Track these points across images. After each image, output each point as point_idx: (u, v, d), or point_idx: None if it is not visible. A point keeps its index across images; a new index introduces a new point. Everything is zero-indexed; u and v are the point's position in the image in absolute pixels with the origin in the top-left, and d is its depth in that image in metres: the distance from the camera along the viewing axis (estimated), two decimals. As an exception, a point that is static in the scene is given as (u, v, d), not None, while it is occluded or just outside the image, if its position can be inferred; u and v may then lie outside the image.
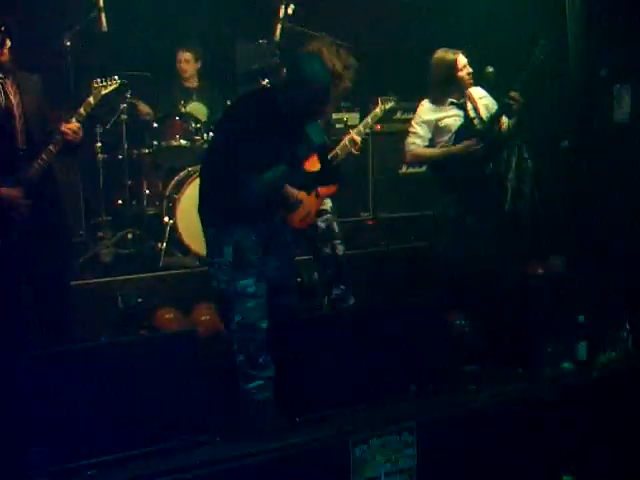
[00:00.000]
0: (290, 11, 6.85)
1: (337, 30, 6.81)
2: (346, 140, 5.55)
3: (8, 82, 4.55)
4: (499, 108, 5.58)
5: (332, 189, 5.41)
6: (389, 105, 5.83)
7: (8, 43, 4.50)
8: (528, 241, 6.20)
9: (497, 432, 4.75)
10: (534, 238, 6.52)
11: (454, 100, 5.72)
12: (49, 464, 3.81)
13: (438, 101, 5.74)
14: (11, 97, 4.55)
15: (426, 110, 5.79)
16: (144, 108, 7.06)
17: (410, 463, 4.49)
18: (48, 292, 4.69)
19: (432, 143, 5.77)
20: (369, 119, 5.76)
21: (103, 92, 4.90)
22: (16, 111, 4.55)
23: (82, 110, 4.76)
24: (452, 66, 5.63)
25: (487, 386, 4.95)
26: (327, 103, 4.61)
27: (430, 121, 5.73)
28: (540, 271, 6.63)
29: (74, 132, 4.63)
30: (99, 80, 4.91)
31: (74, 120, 4.69)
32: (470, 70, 5.67)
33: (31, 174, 4.55)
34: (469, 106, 5.70)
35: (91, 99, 4.82)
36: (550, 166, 7.03)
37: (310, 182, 4.90)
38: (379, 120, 6.02)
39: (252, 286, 4.35)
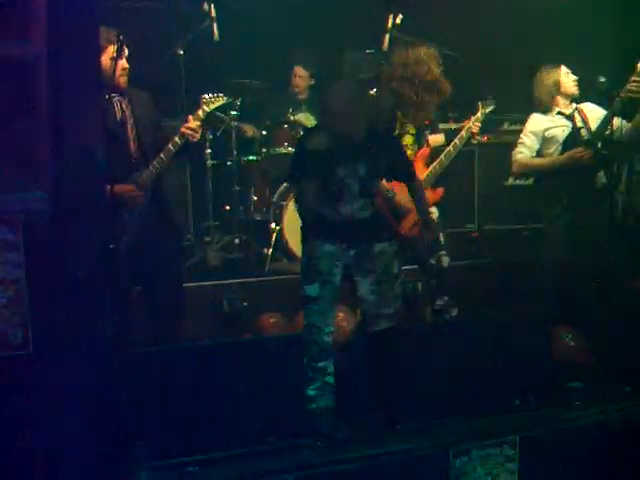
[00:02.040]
0: (398, 20, 6.87)
1: (445, 40, 6.81)
2: (450, 147, 5.53)
3: (122, 99, 4.83)
4: (613, 105, 5.46)
5: (439, 194, 5.42)
6: (489, 108, 5.79)
7: (126, 51, 4.70)
8: (639, 256, 6.05)
9: (601, 451, 4.63)
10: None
11: (562, 111, 5.73)
12: (152, 459, 3.90)
13: (546, 112, 5.81)
14: (126, 112, 4.83)
15: (534, 121, 5.85)
16: (249, 129, 7.19)
17: (511, 478, 4.42)
18: (161, 292, 4.85)
19: (540, 154, 5.80)
20: (471, 123, 5.70)
21: (211, 107, 5.09)
22: (129, 123, 4.83)
23: (192, 123, 4.93)
24: (556, 76, 5.74)
25: (593, 403, 4.82)
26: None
27: (537, 132, 5.79)
28: (650, 288, 6.46)
29: (194, 130, 4.86)
30: (207, 95, 5.08)
31: (199, 114, 4.93)
32: (575, 77, 5.66)
33: (145, 177, 4.79)
34: (577, 117, 5.66)
35: (200, 112, 5.01)
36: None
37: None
38: (484, 130, 5.96)
39: (316, 290, 4.40)
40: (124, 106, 4.81)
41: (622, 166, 6.56)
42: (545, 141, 5.78)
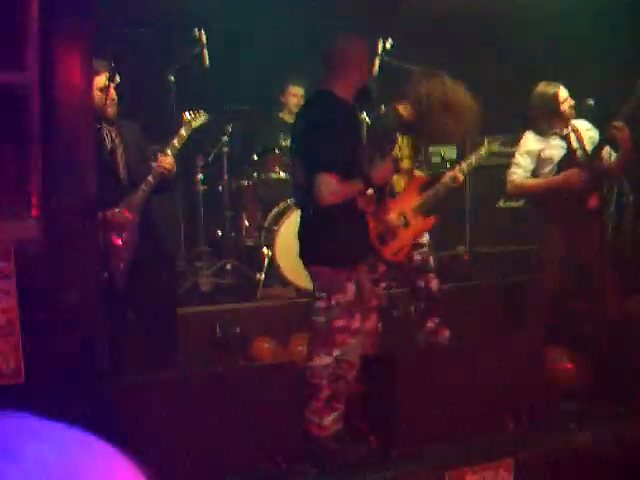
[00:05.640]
0: (388, 46, 6.90)
1: (433, 65, 6.84)
2: (447, 177, 5.55)
3: (112, 130, 4.85)
4: (602, 138, 5.54)
5: (429, 223, 5.43)
6: (495, 147, 5.84)
7: (117, 79, 4.72)
8: (630, 277, 6.07)
9: (596, 472, 4.63)
10: (636, 274, 6.38)
11: (557, 131, 5.71)
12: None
13: (541, 133, 5.75)
14: (116, 141, 4.85)
15: (529, 141, 5.80)
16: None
17: (506, 500, 4.41)
18: (155, 319, 4.85)
19: (535, 174, 5.77)
20: (473, 159, 5.69)
21: (194, 125, 5.11)
22: (118, 153, 4.85)
23: (176, 142, 4.99)
24: (554, 100, 5.65)
25: (586, 424, 4.82)
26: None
27: (533, 152, 5.75)
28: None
29: (168, 164, 4.87)
30: (188, 114, 5.11)
31: (169, 152, 4.92)
32: (571, 102, 5.64)
33: (133, 205, 4.80)
34: (572, 137, 5.66)
35: (183, 132, 5.03)
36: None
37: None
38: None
39: (358, 322, 4.41)
40: (114, 136, 4.83)
41: (612, 188, 6.58)
42: (540, 161, 5.74)
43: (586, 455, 4.66)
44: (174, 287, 5.30)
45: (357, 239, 4.41)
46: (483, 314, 6.72)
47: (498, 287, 7.03)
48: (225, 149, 6.91)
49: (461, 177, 5.57)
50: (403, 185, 5.41)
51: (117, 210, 4.72)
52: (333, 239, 4.28)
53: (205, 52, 6.73)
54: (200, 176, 6.93)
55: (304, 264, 4.49)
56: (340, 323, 4.34)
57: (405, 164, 5.40)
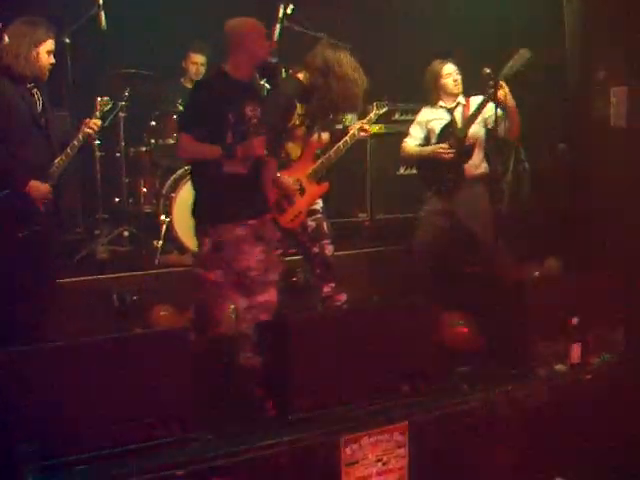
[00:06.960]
0: (289, 11, 6.84)
1: (335, 32, 6.83)
2: (349, 135, 5.68)
3: (38, 89, 4.92)
4: (483, 99, 5.75)
5: (323, 189, 5.49)
6: (382, 110, 6.06)
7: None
8: (525, 243, 6.23)
9: (489, 433, 4.75)
10: (531, 240, 6.54)
11: (443, 104, 6.05)
12: (39, 459, 3.80)
13: (432, 105, 6.15)
14: (44, 102, 4.94)
15: (422, 113, 6.22)
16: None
17: (401, 463, 4.48)
18: (33, 287, 4.83)
19: (427, 143, 6.13)
20: (364, 124, 5.82)
21: (105, 109, 5.35)
22: (44, 114, 4.94)
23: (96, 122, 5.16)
24: (437, 74, 6.00)
25: (480, 386, 4.93)
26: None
27: (422, 122, 6.18)
28: (536, 273, 6.63)
29: (95, 125, 5.11)
30: (100, 99, 5.31)
31: (97, 114, 5.21)
32: (456, 78, 5.97)
33: (54, 171, 4.91)
34: (458, 111, 5.93)
35: (97, 115, 5.25)
36: (547, 169, 7.04)
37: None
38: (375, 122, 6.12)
39: (220, 277, 4.67)
40: (39, 96, 4.89)
41: (509, 157, 6.76)
42: (429, 132, 6.13)
43: (479, 417, 4.76)
44: (54, 255, 5.23)
45: (221, 199, 4.65)
46: (383, 279, 6.81)
47: (398, 253, 7.12)
48: (122, 114, 6.78)
49: (368, 127, 5.79)
50: (299, 153, 5.45)
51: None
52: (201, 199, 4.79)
53: (102, 14, 6.58)
54: (97, 142, 6.77)
55: None
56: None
57: (300, 132, 5.42)
